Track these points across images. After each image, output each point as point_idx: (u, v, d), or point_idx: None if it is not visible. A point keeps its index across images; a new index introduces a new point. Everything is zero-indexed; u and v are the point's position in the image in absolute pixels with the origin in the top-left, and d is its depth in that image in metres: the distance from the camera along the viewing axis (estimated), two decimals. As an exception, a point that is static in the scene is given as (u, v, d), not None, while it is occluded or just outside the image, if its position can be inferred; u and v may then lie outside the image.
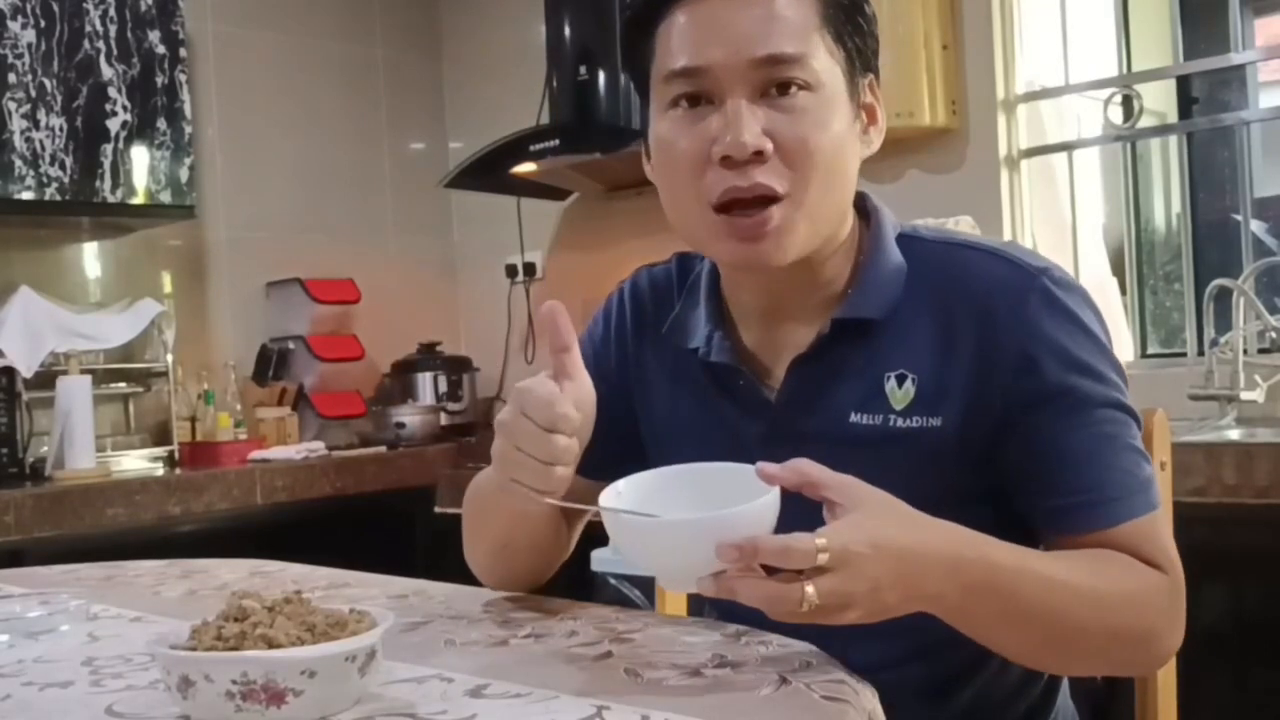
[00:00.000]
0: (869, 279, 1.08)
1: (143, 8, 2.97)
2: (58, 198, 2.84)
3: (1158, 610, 0.98)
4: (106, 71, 2.91)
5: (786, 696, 0.80)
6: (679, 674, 0.86)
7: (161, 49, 3.01)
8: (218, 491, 2.82)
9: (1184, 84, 2.91)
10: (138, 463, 3.08)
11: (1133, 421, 1.03)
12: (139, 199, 2.98)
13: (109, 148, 2.92)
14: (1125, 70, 2.82)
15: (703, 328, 1.14)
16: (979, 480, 1.04)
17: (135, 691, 0.87)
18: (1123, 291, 2.89)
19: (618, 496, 0.92)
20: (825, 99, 1.02)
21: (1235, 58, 2.68)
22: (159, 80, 3.01)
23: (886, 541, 0.85)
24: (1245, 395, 2.33)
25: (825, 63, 1.03)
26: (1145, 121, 2.77)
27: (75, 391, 2.83)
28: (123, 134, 2.94)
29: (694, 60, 1.02)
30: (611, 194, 3.46)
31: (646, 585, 2.15)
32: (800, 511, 0.87)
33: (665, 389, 1.19)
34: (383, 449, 3.29)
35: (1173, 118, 2.99)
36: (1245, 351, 2.39)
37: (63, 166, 2.84)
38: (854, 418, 1.06)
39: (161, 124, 3.01)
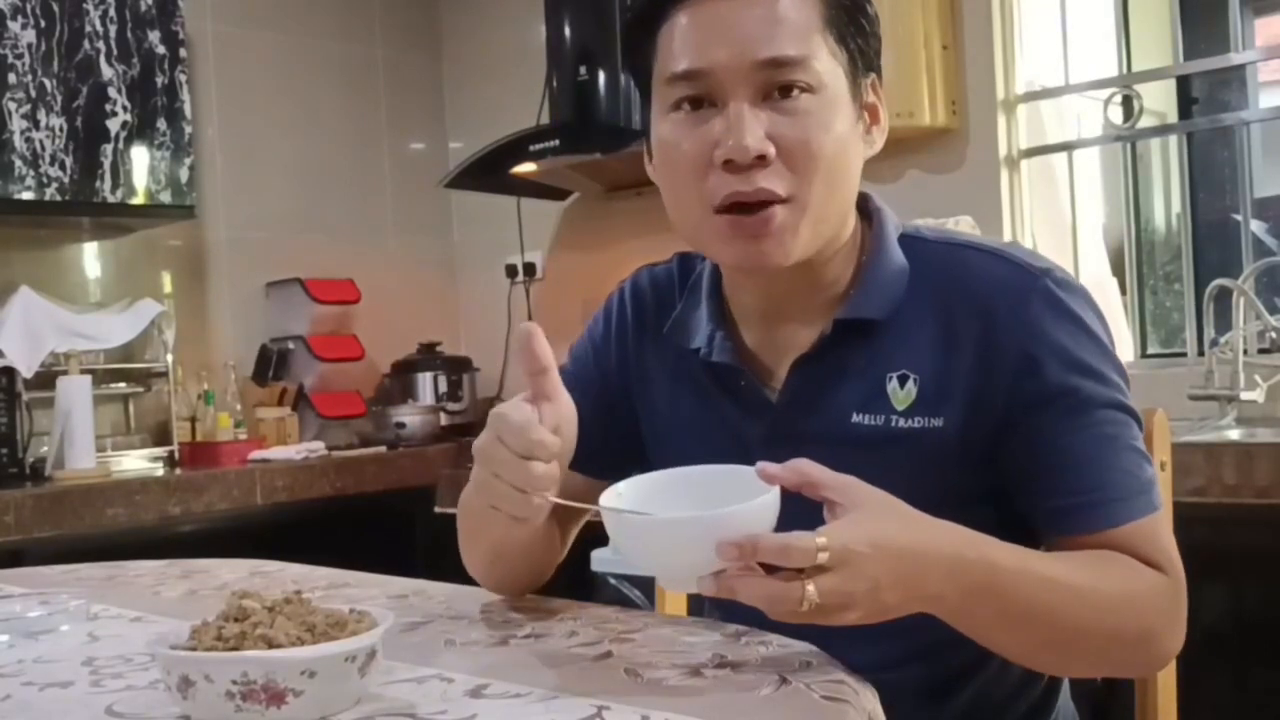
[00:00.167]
0: (871, 279, 1.08)
1: (143, 8, 2.97)
2: (58, 198, 2.84)
3: (1158, 611, 0.98)
4: (106, 71, 2.91)
5: (786, 696, 0.80)
6: (679, 674, 0.86)
7: (161, 49, 3.01)
8: (218, 491, 2.82)
9: (1184, 84, 2.91)
10: (138, 463, 3.08)
11: (1134, 422, 1.03)
12: (139, 199, 2.98)
13: (109, 148, 2.92)
14: (1125, 70, 2.81)
15: (704, 327, 1.14)
16: (980, 481, 1.04)
17: (135, 691, 0.87)
18: (1123, 291, 2.89)
19: (618, 498, 0.92)
20: (828, 101, 1.02)
21: (1235, 58, 2.68)
22: (159, 80, 3.01)
23: (887, 541, 0.85)
24: (1245, 395, 2.33)
25: (827, 64, 1.03)
26: (1145, 121, 2.77)
27: (75, 391, 2.83)
28: (123, 134, 2.94)
29: (696, 63, 1.02)
30: (611, 194, 3.46)
31: (646, 585, 2.15)
32: (801, 512, 0.87)
33: (666, 388, 1.19)
34: (383, 449, 3.29)
35: (1173, 118, 2.99)
36: (1245, 351, 2.39)
37: (63, 166, 2.84)
38: (855, 418, 1.06)
39: (161, 124, 3.01)
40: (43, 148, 2.81)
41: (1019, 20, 2.78)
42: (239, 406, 3.29)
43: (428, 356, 3.64)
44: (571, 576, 1.10)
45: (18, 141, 2.77)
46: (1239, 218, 2.76)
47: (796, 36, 1.01)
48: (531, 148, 3.14)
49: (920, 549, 0.87)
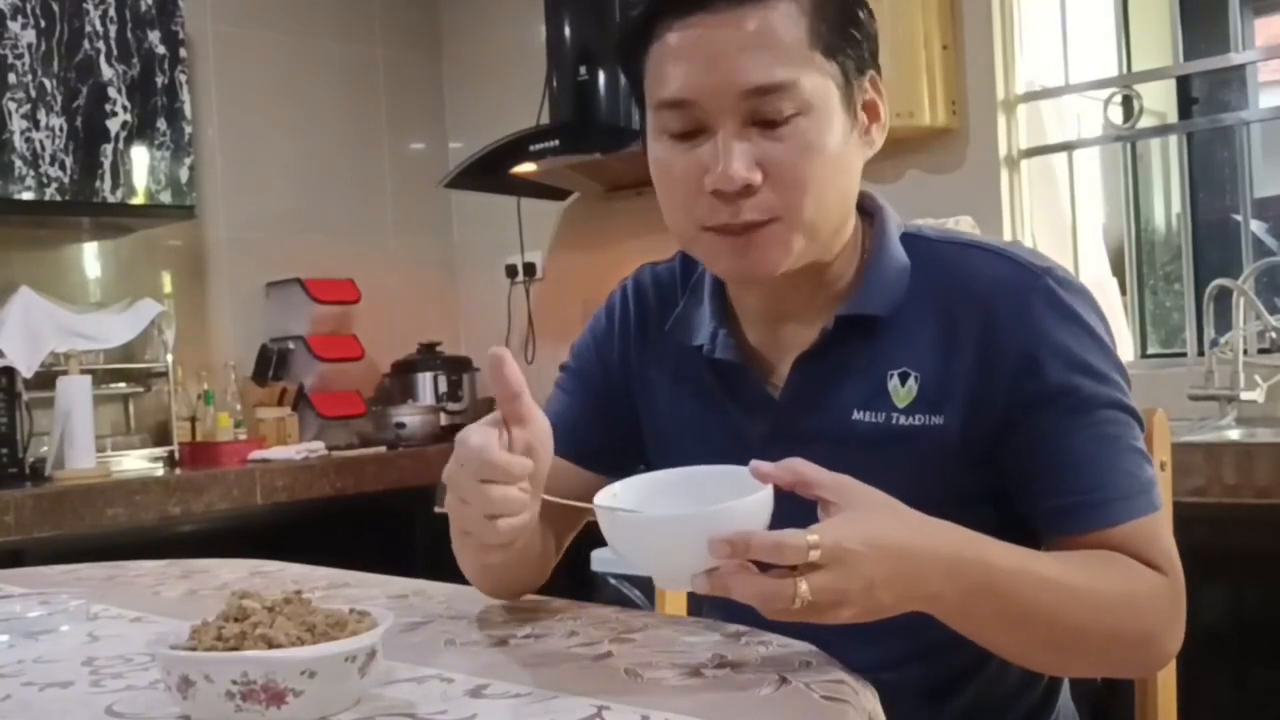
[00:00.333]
0: (874, 277, 1.08)
1: (143, 8, 2.97)
2: (58, 198, 2.84)
3: (1157, 612, 0.98)
4: (106, 71, 2.91)
5: (786, 696, 0.80)
6: (679, 674, 0.86)
7: (161, 49, 3.01)
8: (218, 492, 2.82)
9: (1184, 84, 2.91)
10: (138, 463, 3.08)
11: (1135, 423, 1.03)
12: (139, 199, 2.98)
13: (109, 148, 2.92)
14: (1125, 70, 2.81)
15: (707, 325, 1.15)
16: (981, 480, 1.04)
17: (135, 691, 0.87)
18: (1123, 291, 2.89)
19: (613, 498, 0.92)
20: (819, 119, 1.01)
21: (1235, 58, 2.68)
22: (159, 80, 3.01)
23: (881, 540, 0.85)
24: (1245, 395, 2.33)
25: (818, 81, 1.01)
26: (1145, 121, 2.77)
27: (75, 391, 2.83)
28: (123, 134, 2.94)
29: (682, 92, 1.01)
30: (611, 194, 3.46)
31: (646, 585, 2.15)
32: (797, 512, 0.87)
33: (668, 386, 1.19)
34: (383, 449, 3.30)
35: (1173, 118, 2.99)
36: (1245, 351, 2.39)
37: (63, 166, 2.84)
38: (857, 415, 1.06)
39: (161, 124, 3.01)
40: (43, 148, 2.82)
41: (1019, 20, 2.78)
42: (239, 406, 3.30)
43: (428, 356, 3.64)
44: (571, 576, 1.10)
45: (18, 141, 2.77)
46: (1239, 218, 2.76)
47: (782, 61, 0.99)
48: (531, 148, 3.14)
49: (916, 548, 0.87)
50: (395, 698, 0.82)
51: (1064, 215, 2.84)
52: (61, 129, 2.84)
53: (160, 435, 3.22)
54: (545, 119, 3.33)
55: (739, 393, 1.13)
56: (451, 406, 3.59)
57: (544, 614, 1.08)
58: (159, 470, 3.02)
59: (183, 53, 3.05)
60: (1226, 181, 2.98)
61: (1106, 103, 2.73)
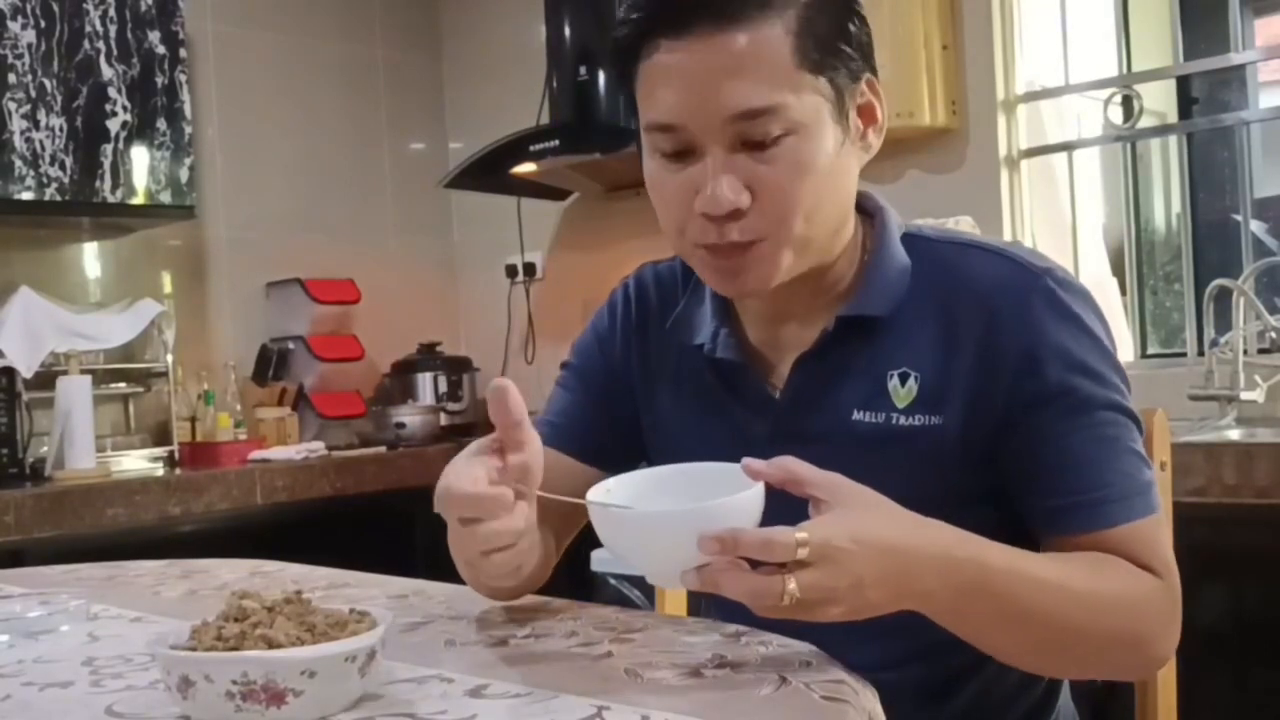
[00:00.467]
0: (874, 277, 1.08)
1: (143, 8, 2.97)
2: (58, 198, 2.84)
3: (1152, 615, 0.97)
4: (106, 71, 2.91)
5: (786, 696, 0.80)
6: (679, 674, 0.86)
7: (161, 49, 3.01)
8: (218, 491, 2.82)
9: (1184, 84, 2.91)
10: (138, 463, 3.08)
11: (1134, 425, 1.03)
12: (139, 199, 2.98)
13: (109, 148, 2.92)
14: (1125, 70, 2.81)
15: (708, 324, 1.15)
16: (981, 480, 1.04)
17: (135, 691, 0.87)
18: (1123, 291, 2.89)
19: (606, 494, 0.92)
20: (809, 137, 1.00)
21: (1235, 58, 2.68)
22: (159, 80, 3.01)
23: (870, 537, 0.85)
24: (1245, 395, 2.33)
25: (806, 100, 0.99)
26: (1145, 121, 2.77)
27: (75, 391, 2.83)
28: (123, 134, 2.94)
29: (669, 117, 1.01)
30: (611, 194, 3.46)
31: (646, 585, 2.14)
32: (791, 512, 0.87)
33: (669, 384, 1.19)
34: (383, 449, 3.29)
35: (1173, 118, 2.99)
36: (1245, 351, 2.39)
37: (63, 166, 2.84)
38: (857, 415, 1.06)
39: (161, 124, 3.01)
40: (43, 148, 2.82)
41: (1019, 20, 2.78)
42: (239, 406, 3.29)
43: (428, 356, 3.64)
44: (571, 576, 1.10)
45: (18, 141, 2.77)
46: (1239, 218, 2.76)
47: (768, 83, 0.97)
48: (531, 148, 3.14)
49: (906, 546, 0.87)
50: (395, 698, 0.81)
51: (1064, 215, 2.84)
52: (61, 129, 2.84)
53: (160, 435, 3.22)
54: (545, 119, 3.33)
55: (740, 392, 1.13)
56: (451, 406, 3.59)
57: (544, 614, 1.08)
58: (159, 470, 3.02)
59: (183, 53, 3.05)
60: (1226, 181, 2.98)
61: (1106, 103, 2.73)
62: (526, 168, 3.22)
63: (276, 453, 3.10)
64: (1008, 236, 2.73)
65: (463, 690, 0.83)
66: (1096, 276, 2.89)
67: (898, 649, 1.03)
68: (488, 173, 3.31)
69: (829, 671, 0.84)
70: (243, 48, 3.52)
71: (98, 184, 2.90)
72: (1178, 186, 2.97)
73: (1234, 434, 2.28)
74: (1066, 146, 2.83)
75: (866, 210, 1.13)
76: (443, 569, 1.27)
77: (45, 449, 2.89)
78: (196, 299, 3.44)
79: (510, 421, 0.90)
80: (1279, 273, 2.66)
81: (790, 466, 0.88)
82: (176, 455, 3.11)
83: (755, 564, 0.83)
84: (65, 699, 0.86)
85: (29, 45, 2.79)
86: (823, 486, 0.87)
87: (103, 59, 2.91)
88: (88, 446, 2.82)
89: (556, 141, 3.10)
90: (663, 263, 1.25)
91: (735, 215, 1.00)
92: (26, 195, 2.80)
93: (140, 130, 2.97)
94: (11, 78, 2.77)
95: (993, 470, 1.04)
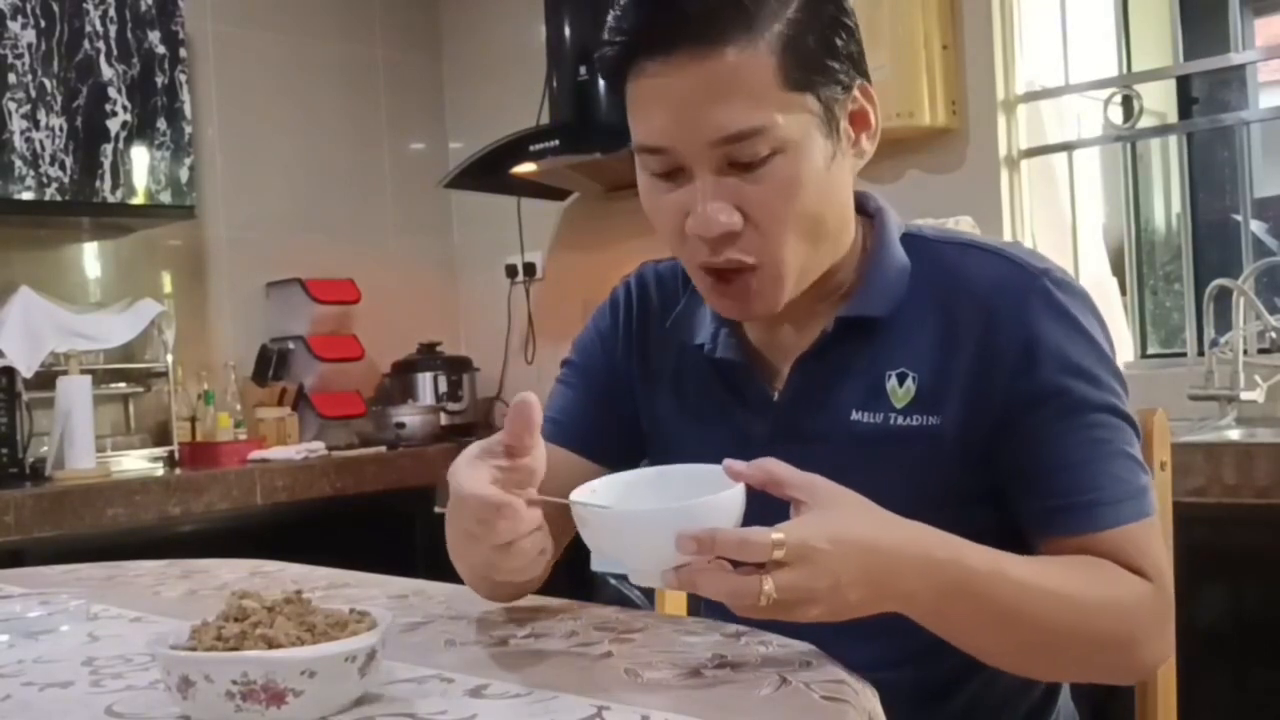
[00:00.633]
0: (873, 278, 1.08)
1: (143, 8, 2.97)
2: (58, 198, 2.84)
3: (1141, 618, 0.96)
4: (106, 71, 2.91)
5: (786, 696, 0.80)
6: (679, 674, 0.86)
7: (161, 49, 3.01)
8: (218, 491, 2.82)
9: (1184, 84, 2.91)
10: (138, 463, 3.08)
11: (1129, 428, 1.02)
12: (139, 199, 2.98)
13: (109, 148, 2.92)
14: (1125, 70, 2.81)
15: (708, 324, 1.15)
16: (979, 481, 1.04)
17: (135, 691, 0.87)
18: (1123, 291, 2.89)
19: (591, 495, 0.93)
20: (798, 154, 0.99)
21: (1235, 58, 2.68)
22: (159, 80, 3.01)
23: (848, 538, 0.85)
24: (1245, 395, 2.33)
25: (793, 118, 0.98)
26: (1145, 121, 2.77)
27: (75, 391, 2.83)
28: (123, 134, 2.94)
29: (656, 140, 1.00)
30: (611, 194, 3.46)
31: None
32: (774, 515, 0.86)
33: (668, 384, 1.19)
34: (383, 449, 3.29)
35: (1173, 118, 2.99)
36: (1245, 351, 2.39)
37: (63, 166, 2.84)
38: (855, 416, 1.06)
39: (161, 124, 3.01)
40: (43, 148, 2.81)
41: (1019, 20, 2.78)
42: (239, 406, 3.29)
43: (428, 356, 3.64)
44: (571, 576, 1.10)
45: (18, 141, 2.77)
46: (1239, 218, 2.76)
47: (753, 105, 0.96)
48: (531, 148, 3.14)
49: (886, 547, 0.87)
50: (395, 698, 0.82)
51: (1064, 215, 2.84)
52: (61, 129, 2.84)
53: (160, 435, 3.22)
54: (545, 119, 3.33)
55: (739, 392, 1.13)
56: (451, 406, 3.59)
57: (544, 614, 1.08)
58: (159, 470, 3.02)
59: (183, 53, 3.05)
60: (1226, 181, 2.97)
61: (1106, 103, 2.73)
62: (526, 168, 3.22)
63: (276, 453, 3.10)
64: (1008, 236, 2.73)
65: (463, 690, 0.83)
66: (1096, 276, 2.89)
67: (897, 649, 1.02)
68: (488, 173, 3.31)
69: (829, 671, 0.84)
70: (243, 48, 3.52)
71: (98, 184, 2.90)
72: (1178, 186, 2.97)
73: (1234, 434, 2.28)
74: (1066, 146, 2.83)
75: (866, 211, 1.13)
76: (443, 569, 1.27)
77: (45, 449, 2.89)
78: (196, 299, 3.44)
79: (526, 430, 0.90)
80: (1279, 273, 2.66)
81: (770, 468, 0.88)
82: (176, 455, 3.11)
83: (736, 565, 0.83)
84: (65, 699, 0.86)
85: (29, 45, 2.79)
86: (802, 488, 0.87)
87: (103, 59, 2.91)
88: (88, 446, 2.82)
89: (556, 141, 3.10)
90: (664, 262, 1.25)
91: (728, 237, 1.00)
92: (26, 195, 2.80)
93: (140, 130, 2.97)
94: (11, 78, 2.77)
95: (991, 471, 1.04)
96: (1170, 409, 1.34)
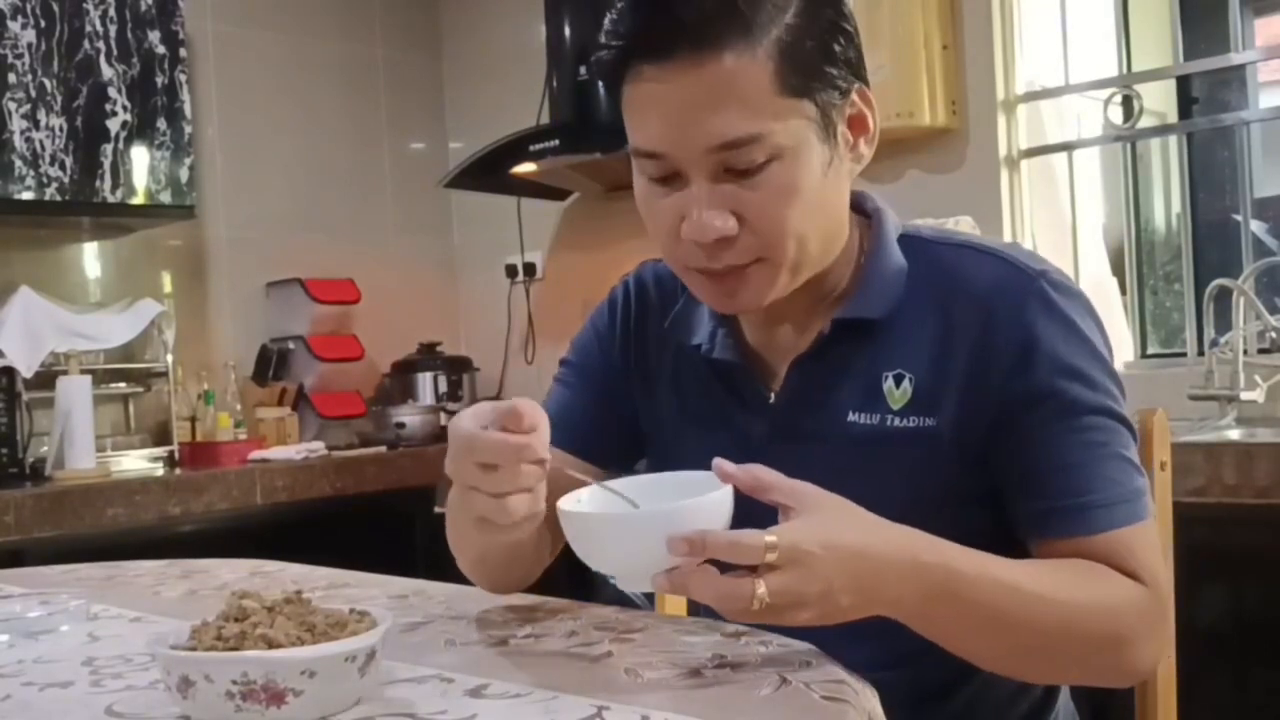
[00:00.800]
0: (871, 280, 1.08)
1: (143, 8, 2.97)
2: (58, 198, 2.84)
3: (1133, 622, 0.96)
4: (106, 71, 2.91)
5: (786, 696, 0.80)
6: (679, 674, 0.86)
7: (161, 49, 3.01)
8: (218, 491, 2.82)
9: (1184, 84, 2.91)
10: (138, 463, 3.08)
11: (1125, 431, 1.02)
12: (139, 199, 2.98)
13: (109, 148, 2.92)
14: (1125, 70, 2.82)
15: (706, 324, 1.15)
16: (976, 482, 1.04)
17: (135, 691, 0.87)
18: (1123, 291, 2.89)
19: (578, 504, 0.93)
20: (794, 161, 0.99)
21: (1235, 58, 2.68)
22: (159, 80, 3.01)
23: (839, 542, 0.85)
24: (1245, 395, 2.33)
25: (790, 124, 0.98)
26: (1145, 121, 2.77)
27: (75, 391, 2.83)
28: (123, 134, 2.94)
29: (652, 146, 1.00)
30: (611, 194, 3.46)
31: (646, 585, 2.15)
32: (760, 521, 0.86)
33: (667, 383, 1.19)
34: (383, 449, 3.29)
35: (1173, 118, 2.99)
36: (1245, 351, 2.39)
37: (63, 166, 2.84)
38: (852, 417, 1.06)
39: (161, 124, 3.01)
40: (43, 148, 2.81)
41: (1019, 20, 2.78)
42: (239, 406, 3.29)
43: (428, 356, 3.64)
44: (571, 576, 1.09)
45: (18, 141, 2.77)
46: (1239, 218, 2.76)
47: (749, 113, 0.96)
48: (531, 148, 3.14)
49: (873, 551, 0.87)
50: (395, 698, 0.82)
51: (1064, 215, 2.84)
52: (61, 129, 2.84)
53: (160, 435, 3.22)
54: (545, 119, 3.33)
55: (737, 393, 1.13)
56: (451, 406, 3.58)
57: (544, 614, 1.08)
58: (159, 470, 3.02)
59: (183, 53, 3.05)
60: (1226, 181, 2.97)
61: (1106, 103, 2.73)
62: (526, 168, 3.22)
63: (276, 453, 3.10)
64: (1008, 236, 2.73)
65: (463, 690, 0.83)
66: (1096, 276, 2.89)
67: (897, 649, 1.02)
68: (488, 173, 3.31)
69: (829, 671, 0.84)
70: (243, 47, 3.52)
71: (98, 184, 2.90)
72: (1178, 186, 2.97)
73: (1234, 434, 2.28)
74: (1066, 146, 2.83)
75: (864, 211, 1.13)
76: (443, 569, 1.28)
77: (45, 449, 2.89)
78: (196, 299, 3.44)
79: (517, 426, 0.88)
80: (1279, 273, 2.66)
81: (758, 473, 0.88)
82: (176, 455, 3.11)
83: (725, 569, 0.83)
84: (65, 699, 0.86)
85: (29, 45, 2.79)
86: (789, 493, 0.87)
87: (103, 59, 2.91)
88: (88, 446, 2.82)
89: (556, 141, 3.10)
90: (663, 262, 1.25)
91: (724, 242, 1.00)
92: (26, 195, 2.80)
93: (140, 130, 2.97)
94: (11, 78, 2.77)
95: (987, 472, 1.03)
96: (1170, 409, 1.34)
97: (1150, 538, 1.01)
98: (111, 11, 2.92)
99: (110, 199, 2.92)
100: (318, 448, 3.17)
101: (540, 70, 3.30)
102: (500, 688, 0.83)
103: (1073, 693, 1.20)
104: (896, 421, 1.05)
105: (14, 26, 2.77)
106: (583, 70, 3.09)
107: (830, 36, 1.00)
